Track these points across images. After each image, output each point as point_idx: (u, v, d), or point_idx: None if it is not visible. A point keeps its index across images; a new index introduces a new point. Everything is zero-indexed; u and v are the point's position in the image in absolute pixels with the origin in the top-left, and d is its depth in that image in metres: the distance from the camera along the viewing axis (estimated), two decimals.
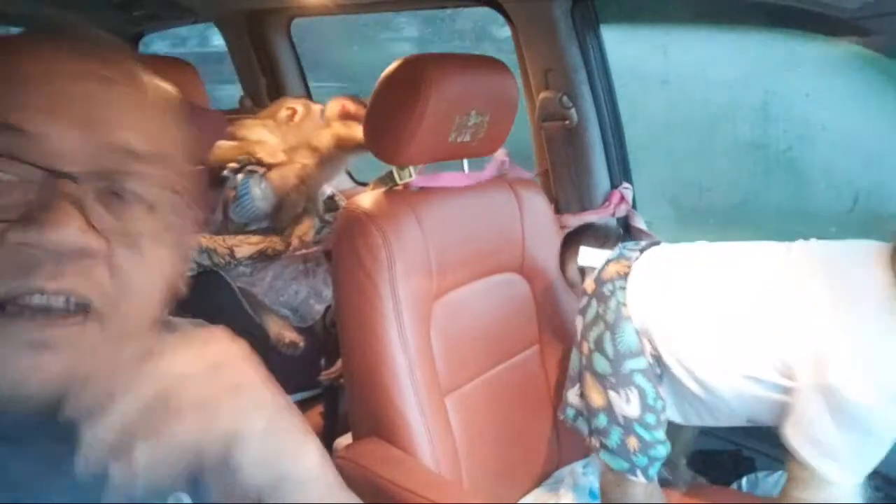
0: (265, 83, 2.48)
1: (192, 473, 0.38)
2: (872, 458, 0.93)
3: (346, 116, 1.81)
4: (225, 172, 1.83)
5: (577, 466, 1.33)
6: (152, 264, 0.46)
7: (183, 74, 2.37)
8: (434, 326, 1.16)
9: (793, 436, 0.95)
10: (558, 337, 1.36)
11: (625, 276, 1.10)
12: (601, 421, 1.09)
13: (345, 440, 1.34)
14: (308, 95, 2.49)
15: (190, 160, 0.52)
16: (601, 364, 1.08)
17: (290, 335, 1.71)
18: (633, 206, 1.72)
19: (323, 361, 1.77)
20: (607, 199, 1.69)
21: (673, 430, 1.22)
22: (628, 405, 1.06)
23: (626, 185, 1.70)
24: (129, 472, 0.34)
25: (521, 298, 1.33)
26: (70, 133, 0.42)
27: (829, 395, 0.91)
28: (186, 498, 0.48)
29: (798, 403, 0.95)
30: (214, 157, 1.86)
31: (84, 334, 0.42)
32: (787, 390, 0.97)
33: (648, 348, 1.08)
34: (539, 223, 1.35)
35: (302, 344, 1.70)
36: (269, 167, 1.80)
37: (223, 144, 1.87)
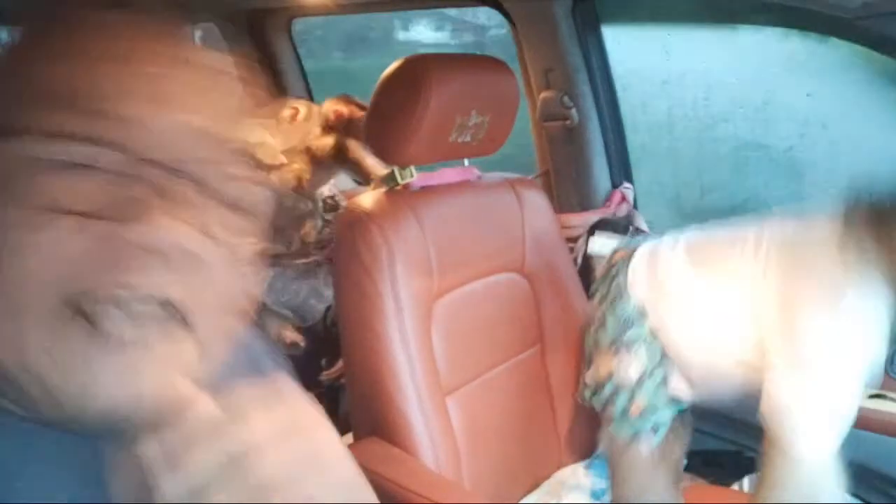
0: (265, 83, 2.48)
1: None
2: (836, 425, 0.96)
3: (339, 119, 1.79)
4: None
5: (579, 467, 1.33)
6: (233, 271, 0.41)
7: None
8: (435, 326, 1.16)
9: (764, 411, 1.00)
10: (559, 337, 1.36)
11: (628, 259, 1.20)
12: (607, 391, 1.16)
13: (345, 440, 1.34)
14: (309, 95, 2.49)
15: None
16: (606, 335, 1.17)
17: (290, 335, 1.71)
18: (634, 206, 1.71)
19: (323, 361, 1.78)
20: (608, 198, 1.69)
21: (673, 430, 1.23)
22: (630, 369, 1.13)
23: (626, 184, 1.70)
24: None
25: (522, 298, 1.33)
26: (155, 117, 0.38)
27: (796, 362, 0.98)
28: None
29: (772, 378, 1.01)
30: None
31: (169, 340, 0.38)
32: (760, 369, 1.03)
33: (646, 323, 1.15)
34: (540, 223, 1.35)
35: (302, 344, 1.70)
36: (267, 170, 1.79)
37: None
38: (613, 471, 1.21)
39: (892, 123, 1.53)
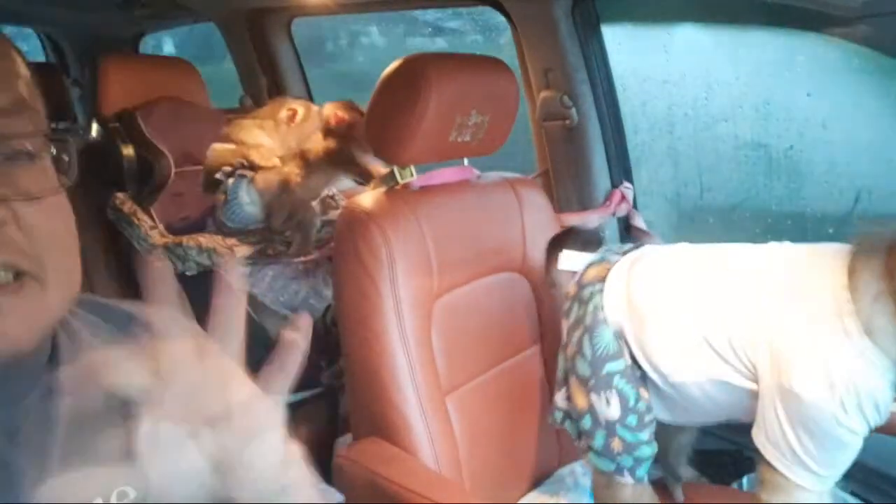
0: (265, 83, 2.48)
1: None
2: (835, 464, 0.92)
3: (339, 124, 1.78)
4: (217, 176, 1.82)
5: (578, 467, 1.33)
6: (56, 212, 0.47)
7: (183, 74, 2.38)
8: (435, 326, 1.16)
9: (757, 437, 0.96)
10: (559, 337, 1.36)
11: (603, 279, 1.10)
12: (586, 423, 1.09)
13: (345, 440, 1.34)
14: (308, 95, 2.49)
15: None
16: (582, 367, 1.08)
17: (289, 335, 1.71)
18: (634, 206, 1.72)
19: (323, 361, 1.77)
20: (608, 198, 1.69)
21: (672, 431, 1.22)
22: (609, 408, 1.05)
23: (626, 184, 1.70)
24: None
25: (521, 298, 1.33)
26: None
27: (786, 397, 0.91)
28: (131, 492, 0.48)
29: (762, 405, 0.95)
30: (210, 160, 1.85)
31: (25, 295, 0.43)
32: (754, 393, 0.97)
33: (627, 351, 1.07)
34: (540, 222, 1.35)
35: None
36: (260, 171, 1.78)
37: (218, 147, 1.86)
38: (597, 498, 1.15)
39: (893, 123, 1.53)
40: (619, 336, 1.07)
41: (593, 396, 1.06)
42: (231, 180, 1.79)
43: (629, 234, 1.72)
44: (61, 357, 0.50)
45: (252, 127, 1.89)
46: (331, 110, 1.78)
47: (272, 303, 1.76)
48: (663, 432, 1.16)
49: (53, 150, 0.47)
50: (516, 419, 1.29)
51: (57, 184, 0.47)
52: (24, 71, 0.49)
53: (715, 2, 1.59)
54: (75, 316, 0.54)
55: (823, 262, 0.93)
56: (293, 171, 1.77)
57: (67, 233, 0.48)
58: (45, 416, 0.44)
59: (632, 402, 1.05)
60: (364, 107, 1.59)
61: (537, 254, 1.34)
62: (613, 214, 1.68)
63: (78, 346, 0.52)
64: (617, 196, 1.68)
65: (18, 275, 0.43)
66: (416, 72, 1.11)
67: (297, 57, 2.49)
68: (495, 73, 1.24)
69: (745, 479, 1.40)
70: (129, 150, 2.08)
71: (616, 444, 1.06)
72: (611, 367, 1.06)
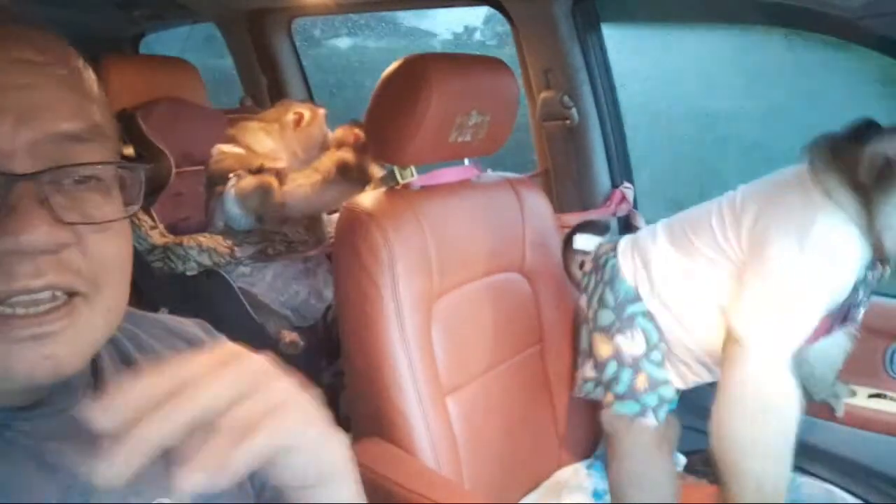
0: (266, 83, 2.48)
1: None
2: (794, 329, 1.02)
3: (357, 140, 1.77)
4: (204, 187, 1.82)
5: (579, 467, 1.33)
6: (116, 237, 0.47)
7: (183, 74, 2.38)
8: (435, 326, 1.16)
9: (730, 313, 1.06)
10: (559, 336, 1.36)
11: (614, 249, 1.24)
12: (610, 370, 1.17)
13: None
14: (309, 95, 2.49)
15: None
16: (605, 316, 1.19)
17: (290, 335, 1.71)
18: (634, 206, 1.72)
19: (323, 361, 1.78)
20: (608, 198, 1.69)
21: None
22: (633, 343, 1.15)
23: (626, 184, 1.71)
24: (181, 495, 0.35)
25: (522, 298, 1.33)
26: (11, 127, 0.42)
27: (758, 260, 1.04)
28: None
29: (740, 286, 1.07)
30: (214, 163, 1.84)
31: (75, 317, 0.44)
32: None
33: (644, 301, 1.18)
34: (540, 223, 1.35)
35: (302, 344, 1.70)
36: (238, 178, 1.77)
37: (225, 149, 1.85)
38: (614, 449, 1.19)
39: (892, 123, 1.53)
40: (636, 291, 1.18)
41: (618, 338, 1.16)
42: (225, 188, 1.79)
43: (629, 233, 1.72)
44: (104, 368, 0.51)
45: (258, 131, 1.88)
46: (345, 133, 1.77)
47: (272, 303, 1.76)
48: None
49: (122, 176, 0.48)
50: (517, 419, 1.29)
51: (123, 211, 0.47)
52: (99, 95, 0.49)
53: (715, 1, 1.59)
54: (118, 328, 0.54)
55: (787, 170, 1.11)
56: (304, 183, 1.75)
57: (124, 257, 0.48)
58: (89, 427, 0.44)
59: (654, 340, 1.16)
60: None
61: (537, 254, 1.34)
62: (614, 214, 1.69)
63: (120, 358, 0.54)
64: (617, 196, 1.68)
65: (70, 296, 0.43)
66: (416, 72, 1.11)
67: (298, 57, 2.49)
68: (495, 73, 1.24)
69: None
70: (128, 151, 2.08)
71: (641, 381, 1.15)
72: (632, 308, 1.17)
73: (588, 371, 1.23)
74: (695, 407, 1.36)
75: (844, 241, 1.00)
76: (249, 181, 1.75)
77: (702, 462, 1.40)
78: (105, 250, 0.45)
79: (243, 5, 2.33)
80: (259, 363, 0.41)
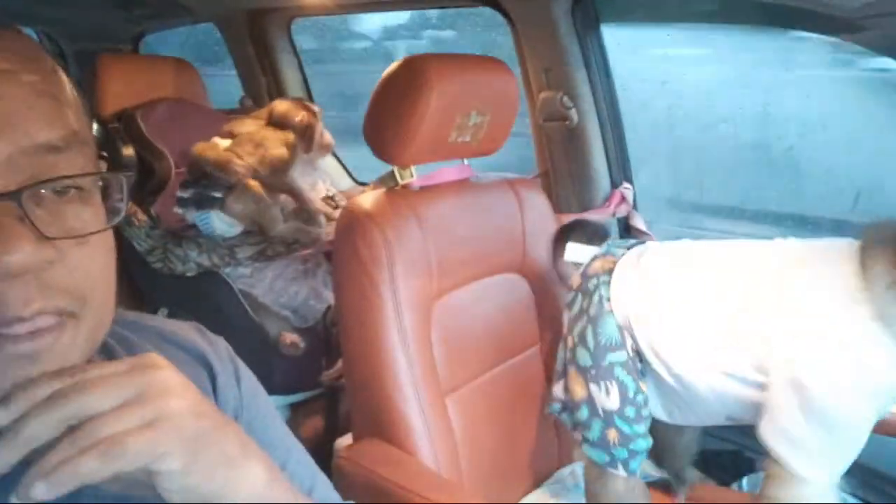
0: (265, 83, 2.48)
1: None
2: (845, 455, 0.93)
3: (302, 123, 1.77)
4: (179, 193, 1.80)
5: (578, 467, 1.33)
6: (100, 250, 0.45)
7: (183, 74, 2.37)
8: (434, 327, 1.16)
9: (766, 431, 0.95)
10: (558, 337, 1.36)
11: (609, 271, 1.11)
12: (583, 413, 1.09)
13: (345, 440, 1.34)
14: (308, 95, 2.49)
15: None
16: (583, 357, 1.09)
17: (290, 336, 1.71)
18: (634, 206, 1.71)
19: (323, 361, 1.77)
20: (608, 198, 1.69)
21: (674, 433, 1.22)
22: (608, 398, 1.06)
23: (626, 184, 1.70)
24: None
25: (521, 299, 1.33)
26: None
27: (798, 389, 0.91)
28: None
29: (771, 399, 0.95)
30: (194, 158, 1.81)
31: (65, 335, 0.43)
32: (762, 387, 0.97)
33: (630, 343, 1.07)
34: (539, 223, 1.35)
35: (302, 345, 1.70)
36: (230, 188, 1.75)
37: (200, 145, 1.83)
38: (587, 487, 1.15)
39: (892, 123, 1.53)
40: (624, 328, 1.08)
41: (592, 387, 1.07)
42: (195, 213, 1.77)
43: (629, 234, 1.72)
44: None
45: (253, 126, 1.88)
46: (292, 110, 1.77)
47: (272, 304, 1.76)
48: (666, 434, 1.16)
49: (100, 183, 0.46)
50: (516, 420, 1.29)
51: (105, 222, 0.46)
52: (74, 98, 0.46)
53: (714, 1, 1.59)
54: (111, 333, 0.54)
55: (832, 254, 0.95)
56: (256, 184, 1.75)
57: (109, 269, 0.47)
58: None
59: (631, 394, 1.06)
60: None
61: (537, 255, 1.34)
62: (613, 215, 1.68)
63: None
64: (617, 196, 1.68)
65: (61, 314, 0.42)
66: (416, 72, 1.11)
67: (297, 57, 2.49)
68: (495, 73, 1.24)
69: (744, 480, 1.40)
70: (128, 151, 2.08)
71: (612, 436, 1.07)
72: (613, 357, 1.07)
73: (558, 392, 1.15)
74: None
75: (892, 367, 0.87)
76: (245, 198, 1.75)
77: (702, 462, 1.40)
78: (90, 265, 0.44)
79: (243, 5, 2.32)
80: (165, 378, 0.40)
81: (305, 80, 2.51)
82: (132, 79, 2.21)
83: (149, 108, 2.13)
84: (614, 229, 1.73)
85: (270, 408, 0.63)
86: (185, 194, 1.79)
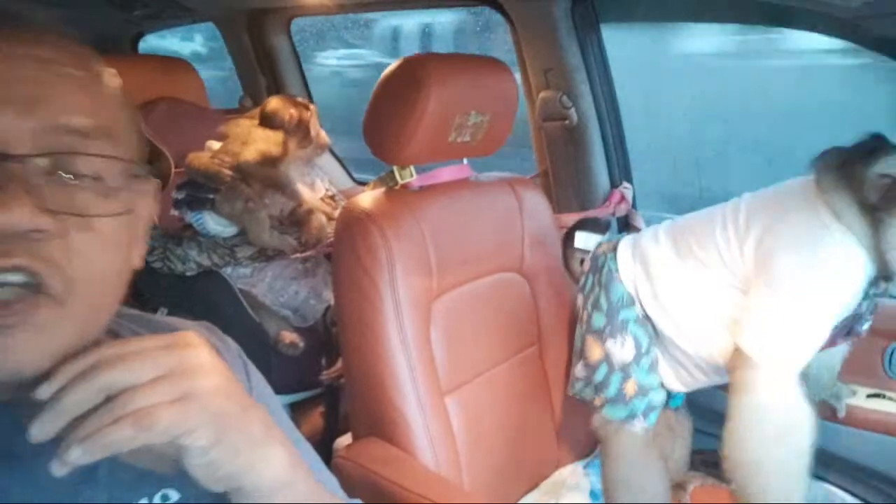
0: (265, 83, 2.48)
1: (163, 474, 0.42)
2: (803, 345, 1.01)
3: (291, 121, 1.76)
4: (174, 195, 1.79)
5: (578, 466, 1.33)
6: (109, 244, 0.45)
7: (183, 74, 2.37)
8: (434, 326, 1.16)
9: (738, 333, 1.05)
10: (558, 336, 1.36)
11: (614, 249, 1.24)
12: (601, 374, 1.18)
13: (345, 440, 1.34)
14: (308, 95, 2.49)
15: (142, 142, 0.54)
16: (598, 320, 1.20)
17: (290, 335, 1.70)
18: (633, 206, 1.71)
19: (323, 361, 1.77)
20: (607, 198, 1.69)
21: (671, 429, 1.24)
22: (623, 349, 1.16)
23: (626, 184, 1.70)
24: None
25: (520, 298, 1.33)
26: (13, 116, 0.42)
27: (767, 284, 1.03)
28: (175, 494, 0.48)
29: (747, 306, 1.06)
30: (190, 166, 1.81)
31: (38, 316, 0.41)
32: (743, 308, 1.07)
33: (638, 304, 1.19)
34: (539, 223, 1.35)
35: (302, 344, 1.70)
36: (218, 191, 1.74)
37: (193, 154, 1.83)
38: (605, 452, 1.22)
39: (892, 123, 1.53)
40: (632, 295, 1.19)
41: (609, 342, 1.17)
42: (189, 214, 1.77)
43: (628, 233, 1.72)
44: None
45: (245, 125, 1.87)
46: (283, 107, 1.77)
47: (272, 303, 1.76)
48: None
49: (133, 185, 0.47)
50: (516, 419, 1.29)
51: (126, 218, 0.46)
52: (118, 100, 0.49)
53: (714, 1, 1.59)
54: (121, 327, 0.54)
55: (792, 183, 1.10)
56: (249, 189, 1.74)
57: (114, 267, 0.46)
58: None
59: (644, 346, 1.16)
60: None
61: (536, 254, 1.34)
62: (613, 214, 1.68)
63: None
64: (616, 196, 1.68)
65: (38, 290, 0.41)
66: (415, 72, 1.11)
67: (297, 57, 2.49)
68: (495, 73, 1.24)
69: None
70: None
71: (630, 387, 1.15)
72: (625, 314, 1.18)
73: (579, 371, 1.24)
74: (696, 408, 1.36)
75: (851, 261, 1.00)
76: (235, 202, 1.74)
77: (702, 462, 1.40)
78: (91, 253, 0.43)
79: (242, 5, 2.32)
80: (200, 356, 0.42)
81: (305, 80, 2.51)
82: (132, 79, 2.20)
83: (149, 108, 2.12)
84: (614, 229, 1.73)
85: (279, 408, 0.64)
86: (179, 196, 1.79)
